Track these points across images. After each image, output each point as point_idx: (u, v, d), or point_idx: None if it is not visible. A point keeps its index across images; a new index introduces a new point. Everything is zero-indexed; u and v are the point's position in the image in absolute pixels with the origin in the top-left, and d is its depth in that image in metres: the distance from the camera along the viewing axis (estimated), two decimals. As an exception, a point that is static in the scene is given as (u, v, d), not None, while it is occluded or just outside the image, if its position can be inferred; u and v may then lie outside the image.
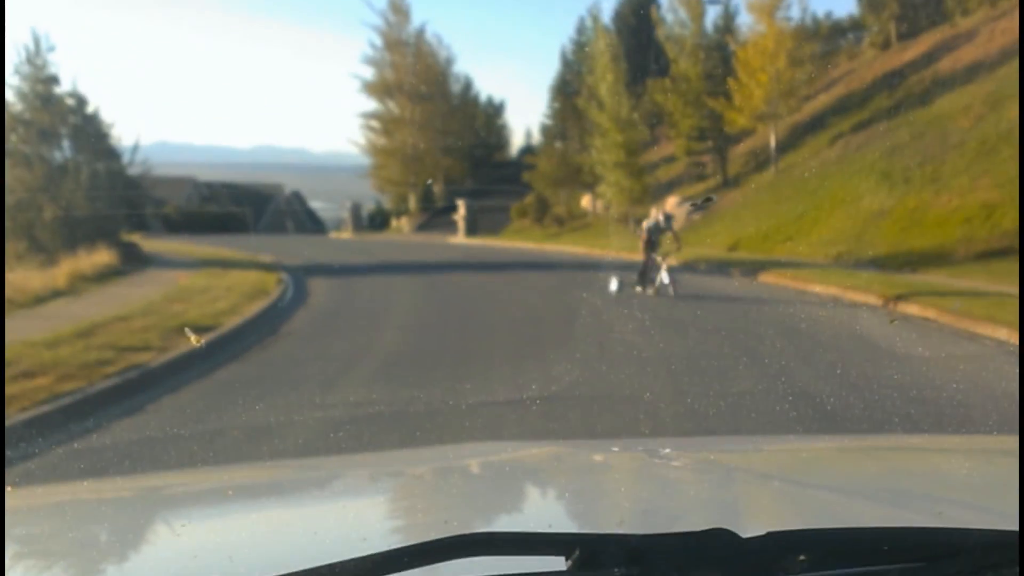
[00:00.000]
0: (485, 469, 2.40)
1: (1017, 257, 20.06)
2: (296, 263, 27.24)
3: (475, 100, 65.57)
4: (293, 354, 12.20)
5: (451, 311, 16.55)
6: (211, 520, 1.96)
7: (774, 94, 32.73)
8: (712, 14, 38.38)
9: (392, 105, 59.17)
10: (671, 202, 36.49)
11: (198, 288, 18.63)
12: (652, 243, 19.20)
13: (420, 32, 58.32)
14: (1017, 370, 10.02)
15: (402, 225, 58.72)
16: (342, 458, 4.07)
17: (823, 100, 37.22)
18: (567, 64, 49.45)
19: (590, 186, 42.90)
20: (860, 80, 37.71)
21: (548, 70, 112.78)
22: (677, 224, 34.68)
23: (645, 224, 20.26)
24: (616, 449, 2.70)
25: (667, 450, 2.59)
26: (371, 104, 59.44)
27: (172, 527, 1.90)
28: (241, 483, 2.31)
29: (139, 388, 9.62)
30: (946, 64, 32.68)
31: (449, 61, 60.59)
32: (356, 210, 61.76)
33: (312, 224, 75.22)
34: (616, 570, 1.17)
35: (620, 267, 19.78)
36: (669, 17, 39.28)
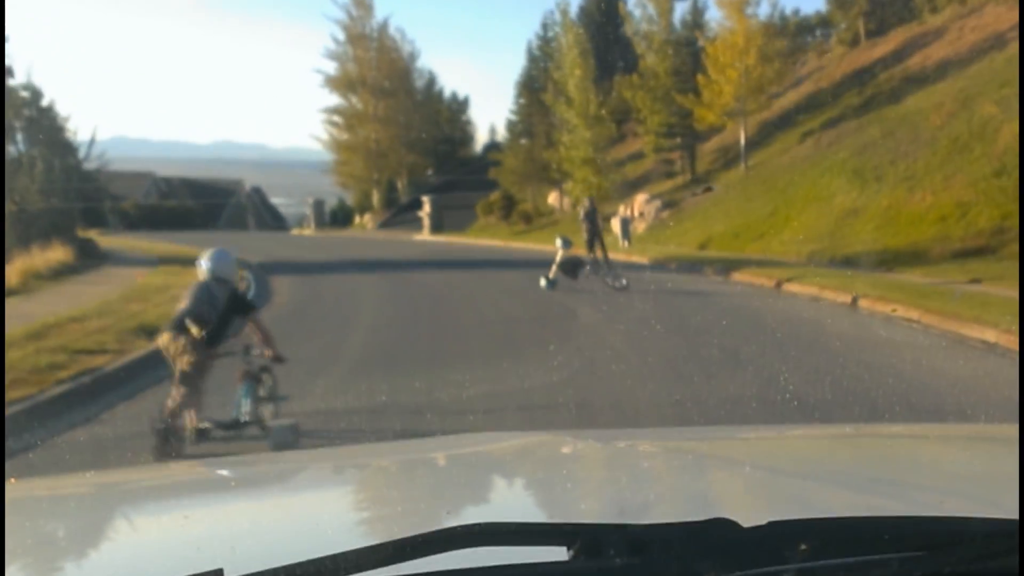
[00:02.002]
0: (485, 459, 2.40)
1: (993, 256, 19.87)
2: (258, 260, 26.61)
3: (439, 95, 64.99)
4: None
5: (421, 311, 16.00)
6: (213, 511, 1.94)
7: (744, 90, 32.41)
8: (680, 10, 38.07)
9: (355, 100, 58.51)
10: (640, 199, 36.17)
11: (156, 286, 17.97)
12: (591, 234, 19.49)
13: (383, 26, 57.76)
14: (1017, 372, 9.72)
15: (365, 222, 58.05)
16: (340, 449, 3.95)
17: (792, 97, 36.99)
18: (533, 59, 48.89)
19: (557, 183, 42.46)
20: (829, 77, 37.53)
21: (513, 65, 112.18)
22: (645, 222, 34.54)
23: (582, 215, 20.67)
24: (616, 439, 2.70)
25: (667, 440, 2.69)
26: (333, 99, 58.78)
27: (174, 518, 1.88)
28: (240, 475, 2.31)
29: (93, 395, 9.00)
30: (916, 61, 32.55)
31: (413, 56, 60.02)
32: (318, 206, 61.00)
33: (273, 220, 74.51)
34: (618, 560, 1.17)
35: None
36: (637, 13, 38.93)
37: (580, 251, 19.49)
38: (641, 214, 35.26)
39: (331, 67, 57.56)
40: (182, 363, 7.02)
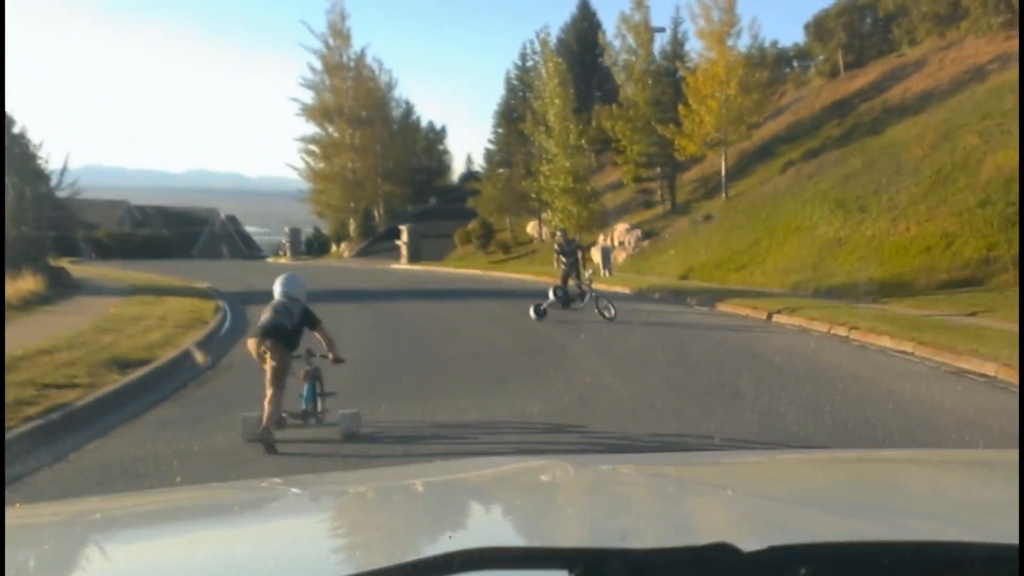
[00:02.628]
0: (487, 483, 2.39)
1: (980, 287, 19.70)
2: (234, 290, 26.12)
3: (416, 125, 64.85)
4: (234, 393, 11.13)
5: (403, 343, 15.55)
6: (218, 536, 1.92)
7: (724, 121, 32.30)
8: (660, 40, 38.01)
9: (332, 129, 58.33)
10: (620, 229, 35.94)
11: (130, 317, 17.44)
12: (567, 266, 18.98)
13: (360, 56, 57.66)
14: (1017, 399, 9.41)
15: (342, 251, 57.63)
16: (342, 474, 3.93)
17: (771, 128, 36.95)
18: (512, 89, 48.69)
19: (536, 212, 42.21)
20: (808, 108, 37.53)
21: (489, 95, 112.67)
22: (625, 251, 34.29)
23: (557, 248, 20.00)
24: (616, 464, 2.77)
25: (667, 465, 2.71)
26: (310, 128, 58.39)
27: (179, 542, 1.87)
28: (244, 499, 2.31)
29: (62, 432, 8.51)
30: (895, 93, 32.57)
31: (390, 85, 59.97)
32: (295, 235, 60.52)
33: (248, 249, 74.11)
34: None
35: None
36: (617, 43, 38.87)
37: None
38: (621, 243, 35.04)
39: (308, 96, 57.41)
40: (272, 364, 8.46)
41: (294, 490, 2.50)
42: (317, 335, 9.06)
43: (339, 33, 56.58)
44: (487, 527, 1.95)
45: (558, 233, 21.61)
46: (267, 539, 1.90)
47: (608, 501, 2.17)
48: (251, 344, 8.81)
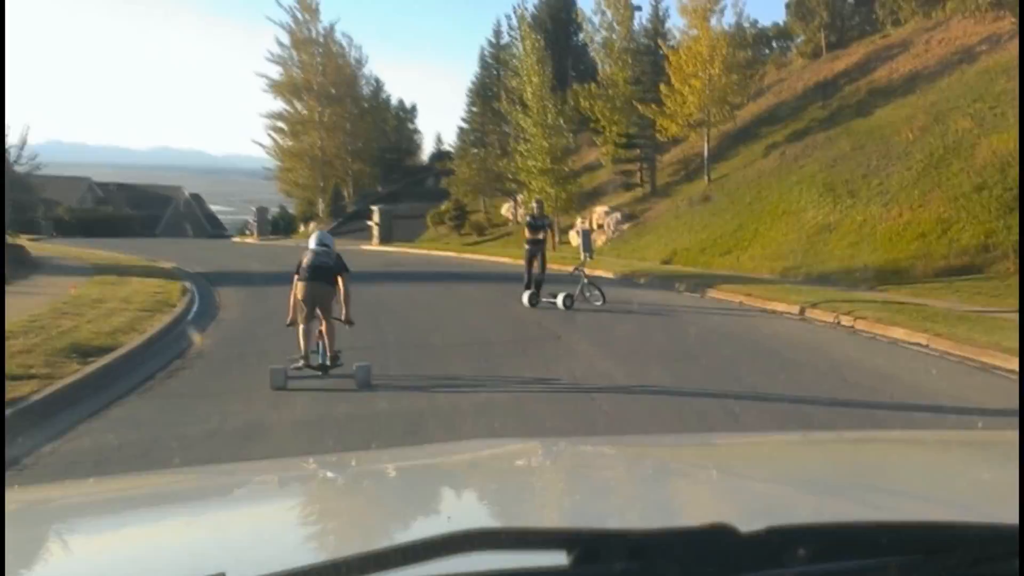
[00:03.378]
0: (485, 465, 2.37)
1: (981, 275, 19.06)
2: (200, 270, 25.09)
3: (386, 103, 63.60)
4: (205, 385, 10.18)
5: (385, 329, 14.60)
6: (216, 517, 1.90)
7: (708, 101, 31.41)
8: (640, 18, 37.10)
9: (300, 106, 57.12)
10: (598, 211, 35.10)
11: (91, 299, 16.39)
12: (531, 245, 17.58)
13: (330, 31, 56.36)
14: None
15: (311, 230, 56.30)
16: (339, 456, 3.66)
17: (752, 109, 36.11)
18: (486, 67, 47.60)
19: (512, 193, 41.26)
20: (791, 90, 36.76)
21: (460, 74, 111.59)
22: (605, 234, 33.44)
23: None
24: (614, 446, 2.85)
25: (665, 447, 2.79)
26: (277, 105, 56.94)
27: (176, 523, 1.86)
28: (241, 481, 2.31)
29: (16, 431, 7.53)
30: (882, 74, 31.86)
31: (360, 62, 58.60)
32: (262, 214, 59.15)
33: (212, 228, 73.22)
34: (618, 566, 1.18)
35: (555, 281, 18.03)
36: (596, 19, 37.92)
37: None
38: (600, 227, 34.18)
39: (275, 72, 55.94)
40: (318, 302, 10.12)
41: (306, 471, 2.47)
42: (341, 283, 10.28)
43: (308, 7, 55.23)
44: (485, 509, 1.94)
45: (533, 204, 20.11)
46: (256, 521, 1.86)
47: (606, 482, 2.16)
48: (299, 288, 10.15)
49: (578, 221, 34.85)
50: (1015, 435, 2.40)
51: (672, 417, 8.54)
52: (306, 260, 10.26)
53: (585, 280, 17.55)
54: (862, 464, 2.33)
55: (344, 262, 10.47)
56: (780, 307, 17.14)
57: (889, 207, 23.26)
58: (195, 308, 17.18)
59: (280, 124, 57.45)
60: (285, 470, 2.62)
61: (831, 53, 37.22)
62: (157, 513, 1.99)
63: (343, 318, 10.31)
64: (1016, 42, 26.91)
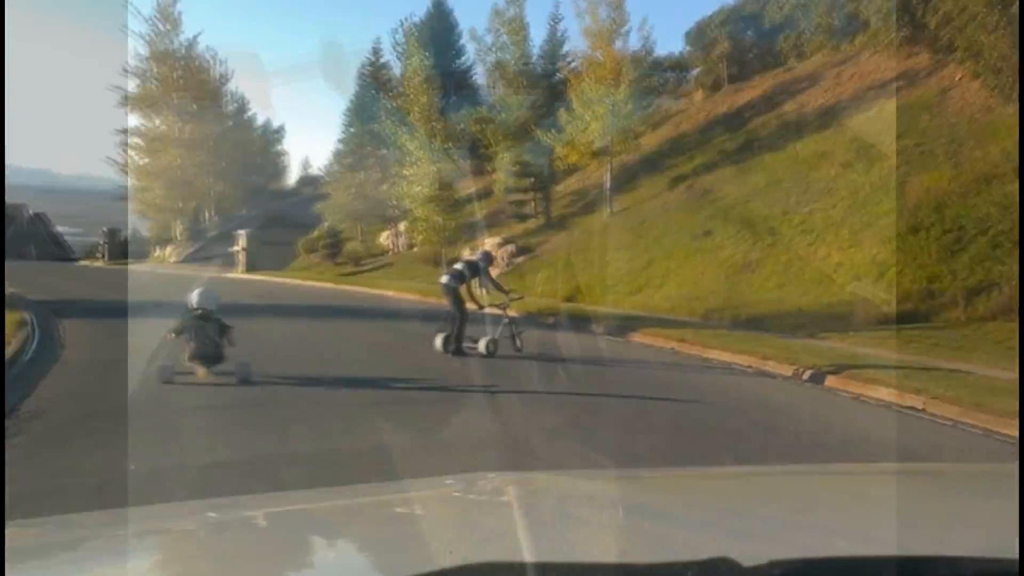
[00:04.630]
0: (485, 499, 2.35)
1: (929, 324, 17.40)
2: (42, 298, 21.71)
3: (251, 123, 60.10)
4: (41, 459, 7.31)
5: (263, 374, 11.80)
6: (220, 551, 1.88)
7: (612, 128, 29.39)
8: (538, 39, 35.11)
9: (158, 121, 53.52)
10: (490, 243, 32.72)
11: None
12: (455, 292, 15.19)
13: (192, 44, 53.03)
14: None
15: (167, 255, 52.55)
16: (337, 490, 3.29)
17: (652, 140, 34.34)
18: (364, 86, 44.85)
19: (391, 221, 38.55)
20: (691, 121, 35.20)
21: (331, 95, 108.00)
22: (497, 268, 31.04)
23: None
24: (614, 479, 2.79)
25: (663, 480, 2.78)
26: (133, 120, 53.03)
27: (183, 558, 1.85)
28: (247, 516, 2.26)
29: None
30: (791, 108, 30.49)
31: (224, 78, 55.18)
32: (112, 236, 54.80)
33: (57, 250, 68.27)
34: None
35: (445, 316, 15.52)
36: (489, 39, 35.78)
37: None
38: (493, 260, 31.77)
39: (131, 85, 52.07)
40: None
41: (306, 505, 2.39)
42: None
43: (169, 17, 51.88)
44: (485, 542, 1.90)
45: (479, 251, 17.72)
46: (258, 555, 1.83)
47: (605, 514, 2.16)
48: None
49: (466, 252, 32.44)
50: (1015, 468, 2.54)
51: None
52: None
53: (505, 319, 15.25)
54: (863, 497, 2.31)
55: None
56: (726, 357, 15.06)
57: (815, 246, 21.61)
58: (33, 345, 14.15)
59: (136, 140, 53.59)
60: (275, 505, 2.41)
61: (733, 85, 35.86)
62: (152, 549, 1.96)
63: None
64: (935, 79, 25.89)
